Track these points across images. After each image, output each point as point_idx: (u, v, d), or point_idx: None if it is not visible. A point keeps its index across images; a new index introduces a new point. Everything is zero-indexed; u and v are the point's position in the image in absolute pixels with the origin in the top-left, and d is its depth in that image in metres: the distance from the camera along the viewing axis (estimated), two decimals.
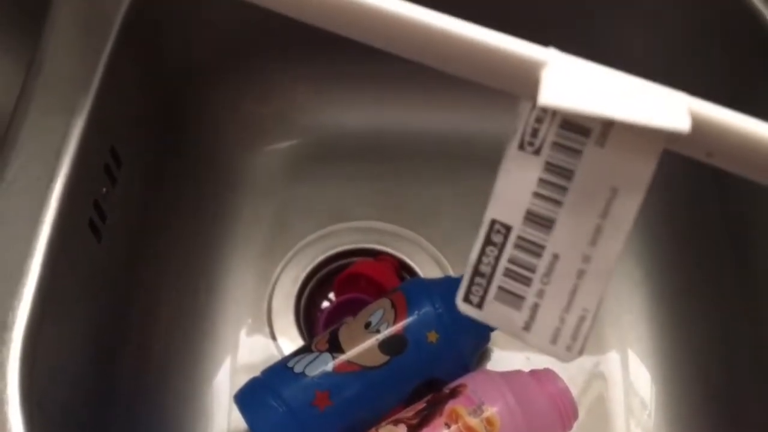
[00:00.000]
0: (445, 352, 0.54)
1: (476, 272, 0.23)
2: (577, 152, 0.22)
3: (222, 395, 0.59)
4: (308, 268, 0.64)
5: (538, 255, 0.23)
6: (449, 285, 0.57)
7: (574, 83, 0.21)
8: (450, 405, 0.51)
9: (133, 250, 0.58)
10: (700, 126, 0.22)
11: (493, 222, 0.23)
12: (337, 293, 0.62)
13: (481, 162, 0.66)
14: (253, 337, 0.61)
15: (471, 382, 0.53)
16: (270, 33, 0.65)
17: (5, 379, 0.43)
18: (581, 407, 0.54)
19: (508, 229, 0.23)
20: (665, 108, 0.22)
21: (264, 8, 0.67)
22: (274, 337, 0.61)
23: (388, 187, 0.67)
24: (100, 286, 0.54)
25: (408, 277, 0.63)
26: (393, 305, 0.55)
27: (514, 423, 0.51)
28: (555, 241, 0.22)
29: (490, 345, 0.59)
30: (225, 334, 0.61)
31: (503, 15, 0.64)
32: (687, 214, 0.63)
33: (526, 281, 0.23)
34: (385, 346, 0.53)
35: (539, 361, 0.58)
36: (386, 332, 0.54)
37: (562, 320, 0.23)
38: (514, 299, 0.23)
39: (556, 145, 0.22)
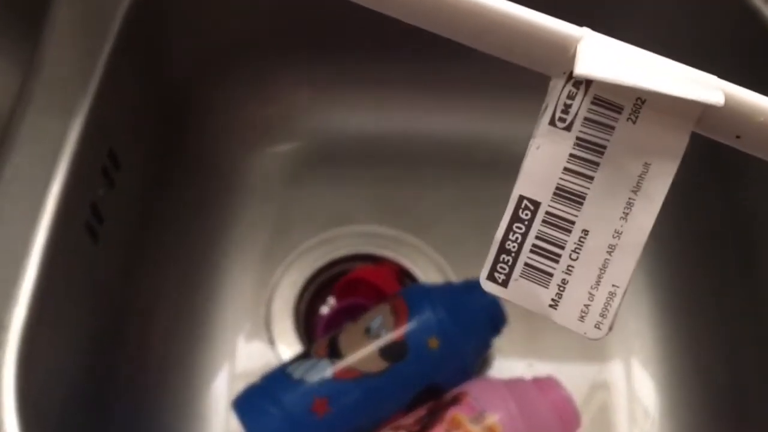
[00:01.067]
0: (447, 358, 0.54)
1: (502, 250, 0.23)
2: (609, 128, 0.22)
3: (220, 401, 0.58)
4: (308, 273, 0.63)
5: (568, 231, 0.23)
6: (450, 290, 0.56)
7: (610, 56, 0.21)
8: (451, 412, 0.51)
9: (130, 254, 0.58)
10: (730, 104, 0.22)
11: (521, 198, 0.23)
12: (337, 298, 0.62)
13: (483, 167, 0.66)
14: (251, 343, 0.61)
15: (472, 389, 0.53)
16: (272, 35, 0.65)
17: (1, 381, 0.42)
18: (584, 415, 0.54)
19: (536, 205, 0.23)
20: (698, 84, 0.22)
21: (266, 10, 0.66)
22: (272, 343, 0.60)
23: (389, 191, 0.67)
24: (97, 289, 0.53)
25: (409, 283, 0.62)
26: (393, 311, 0.54)
27: (515, 431, 0.51)
28: (585, 216, 0.22)
29: (492, 351, 0.59)
30: (223, 339, 0.61)
31: None
32: (692, 220, 0.63)
33: (555, 257, 0.23)
34: (385, 352, 0.53)
35: (542, 368, 0.58)
36: (386, 338, 0.53)
37: (591, 297, 0.22)
38: (542, 276, 0.23)
39: (588, 121, 0.22)
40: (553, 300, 0.23)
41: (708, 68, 0.62)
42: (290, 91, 0.67)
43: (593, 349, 0.60)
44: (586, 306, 0.22)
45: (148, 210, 0.60)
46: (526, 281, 0.23)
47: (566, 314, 0.23)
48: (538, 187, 0.22)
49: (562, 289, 0.23)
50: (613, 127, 0.22)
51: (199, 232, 0.64)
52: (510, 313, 0.56)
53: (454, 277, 0.62)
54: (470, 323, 0.55)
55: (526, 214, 0.23)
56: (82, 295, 0.51)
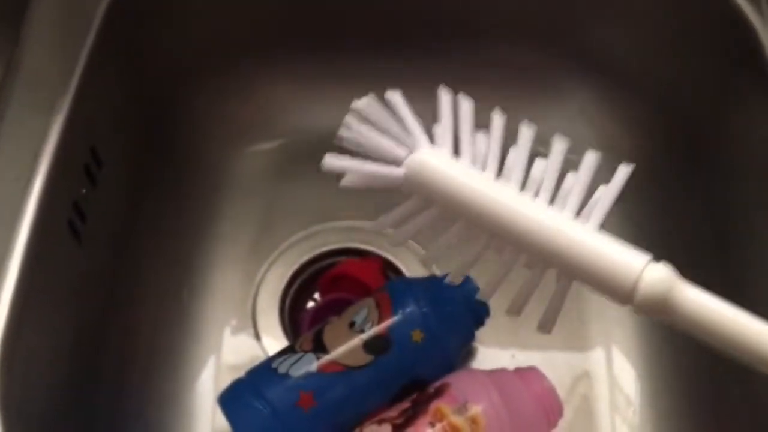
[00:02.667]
0: (430, 350, 0.54)
1: None
2: None
3: (206, 395, 0.58)
4: (293, 268, 0.63)
5: None
6: (434, 284, 0.57)
7: None
8: (435, 404, 0.51)
9: (114, 252, 0.58)
10: None
11: None
12: (322, 293, 0.62)
13: None
14: (237, 337, 0.61)
15: (456, 380, 0.53)
16: (254, 32, 0.65)
17: None
18: (566, 405, 0.54)
19: None
20: None
21: (246, 7, 0.66)
22: (258, 337, 0.61)
23: None
24: (80, 288, 0.53)
25: (393, 277, 0.63)
26: (377, 305, 0.55)
27: (498, 421, 0.51)
28: None
29: (476, 343, 0.59)
30: (209, 334, 0.61)
31: (487, 14, 0.65)
32: (673, 210, 0.63)
33: None
34: (369, 345, 0.53)
35: (524, 359, 0.59)
36: (370, 332, 0.53)
37: None
38: None
39: None
40: None
41: (688, 69, 0.62)
42: (271, 88, 0.67)
43: (575, 339, 0.60)
44: None
45: (132, 208, 0.60)
46: None
47: None
48: None
49: None
50: None
51: (184, 228, 0.64)
52: (493, 305, 0.56)
53: (438, 271, 0.62)
54: (454, 316, 0.55)
55: None
56: (65, 294, 0.51)
